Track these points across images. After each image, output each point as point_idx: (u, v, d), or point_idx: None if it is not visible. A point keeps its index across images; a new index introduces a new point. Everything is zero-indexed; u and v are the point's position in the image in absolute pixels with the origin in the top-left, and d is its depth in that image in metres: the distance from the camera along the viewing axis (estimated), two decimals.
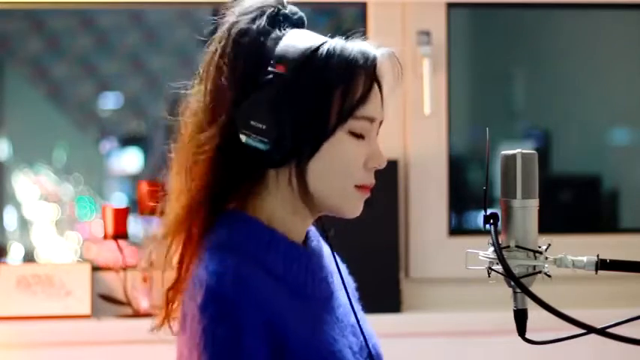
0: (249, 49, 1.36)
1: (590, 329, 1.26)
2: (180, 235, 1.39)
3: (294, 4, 1.43)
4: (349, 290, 1.49)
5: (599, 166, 3.36)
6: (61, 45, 4.54)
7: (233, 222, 1.39)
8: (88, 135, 4.69)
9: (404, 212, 2.71)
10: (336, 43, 1.38)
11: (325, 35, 1.41)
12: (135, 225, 2.71)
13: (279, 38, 1.37)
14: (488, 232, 1.33)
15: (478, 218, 3.10)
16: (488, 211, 1.33)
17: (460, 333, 2.61)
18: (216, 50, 1.38)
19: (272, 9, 1.39)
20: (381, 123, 1.42)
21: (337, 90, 1.35)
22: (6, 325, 2.50)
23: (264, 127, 1.33)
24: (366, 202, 1.44)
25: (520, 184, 1.34)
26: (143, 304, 2.50)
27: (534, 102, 3.47)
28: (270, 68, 1.34)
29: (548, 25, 3.29)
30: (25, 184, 4.39)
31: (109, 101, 4.69)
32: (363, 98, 1.36)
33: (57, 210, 4.45)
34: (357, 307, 1.52)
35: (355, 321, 1.46)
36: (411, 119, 2.73)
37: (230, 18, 1.39)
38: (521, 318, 1.35)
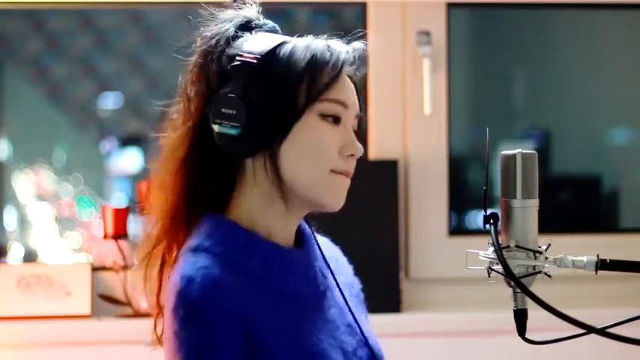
0: (217, 49, 1.40)
1: (590, 329, 1.26)
2: (165, 241, 1.42)
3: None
4: (347, 291, 1.49)
5: (599, 166, 3.35)
6: (61, 45, 4.54)
7: (210, 225, 1.40)
8: (88, 135, 4.69)
9: (404, 212, 2.71)
10: (303, 38, 1.42)
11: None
12: (135, 225, 2.71)
13: (248, 38, 1.41)
14: (488, 232, 1.33)
15: (478, 218, 3.10)
16: (489, 211, 1.33)
17: (460, 333, 2.61)
18: (192, 68, 1.42)
19: (243, 18, 1.43)
20: (358, 117, 1.44)
21: (304, 73, 1.37)
22: (6, 325, 2.50)
23: (234, 112, 1.36)
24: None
25: (520, 184, 1.34)
26: (143, 304, 2.50)
27: (534, 102, 3.47)
28: (238, 58, 1.38)
29: (548, 25, 3.29)
30: (25, 184, 4.39)
31: (109, 101, 4.68)
32: (330, 81, 1.38)
33: (57, 210, 4.45)
34: (360, 308, 1.52)
35: (353, 321, 1.46)
36: (411, 119, 2.73)
37: (206, 33, 1.43)
38: (521, 318, 1.35)
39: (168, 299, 1.34)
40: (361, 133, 1.47)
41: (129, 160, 4.58)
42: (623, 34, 3.15)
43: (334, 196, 1.41)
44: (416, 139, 2.73)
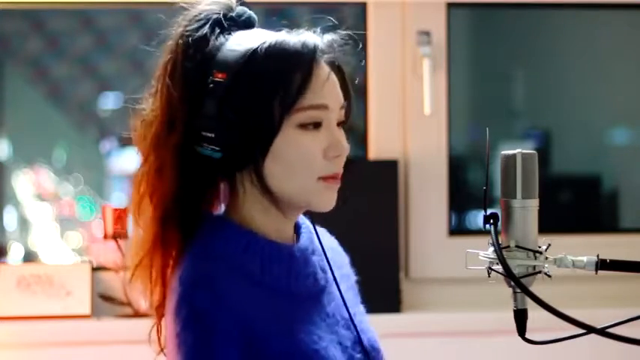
0: (194, 62, 1.37)
1: (590, 329, 1.26)
2: (157, 253, 1.40)
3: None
4: (344, 285, 1.50)
5: (599, 166, 3.35)
6: (61, 45, 4.54)
7: (212, 227, 1.40)
8: (88, 135, 4.69)
9: (404, 212, 2.71)
10: (276, 39, 1.37)
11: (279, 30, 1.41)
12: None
13: (222, 44, 1.38)
14: (488, 232, 1.33)
15: (478, 218, 3.10)
16: (488, 211, 1.33)
17: (460, 333, 2.61)
18: (166, 64, 1.39)
19: (217, 15, 1.40)
20: (344, 108, 1.41)
21: (276, 86, 1.35)
22: (6, 325, 2.50)
23: (213, 135, 1.35)
24: (339, 199, 1.42)
25: (520, 184, 1.34)
26: (143, 304, 2.50)
27: (534, 102, 3.47)
28: (210, 77, 1.35)
29: (548, 25, 3.29)
30: (25, 184, 4.39)
31: (109, 101, 4.68)
32: (301, 89, 1.35)
33: (57, 210, 4.44)
34: (356, 300, 1.52)
35: (352, 314, 1.47)
36: (411, 119, 2.73)
37: (178, 28, 1.40)
38: (521, 318, 1.35)
39: (170, 300, 1.34)
40: (350, 126, 1.44)
41: (129, 160, 4.57)
42: (623, 34, 3.15)
43: (323, 202, 1.40)
44: (416, 139, 2.73)
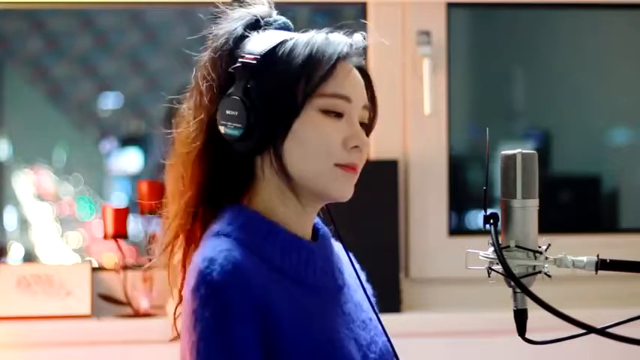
0: (227, 49, 1.43)
1: (590, 329, 1.26)
2: (182, 235, 1.45)
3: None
4: (361, 293, 1.51)
5: (599, 166, 3.35)
6: (61, 45, 4.54)
7: (232, 213, 1.42)
8: (88, 135, 4.69)
9: (404, 212, 2.71)
10: (304, 35, 1.43)
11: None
12: (135, 225, 2.72)
13: (252, 38, 1.43)
14: (488, 232, 1.33)
15: (478, 218, 3.10)
16: (489, 211, 1.33)
17: (460, 333, 2.61)
18: (203, 63, 1.45)
19: (252, 17, 1.45)
20: (367, 109, 1.45)
21: (301, 70, 1.39)
22: (6, 325, 2.50)
23: (236, 113, 1.39)
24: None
25: (520, 184, 1.34)
26: (143, 304, 2.50)
27: (534, 102, 3.47)
28: (239, 60, 1.40)
29: (548, 25, 3.29)
30: (25, 184, 4.39)
31: (109, 101, 4.68)
32: (325, 76, 1.39)
33: (57, 210, 4.45)
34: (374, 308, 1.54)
35: (367, 318, 1.48)
36: (411, 119, 2.73)
37: (217, 31, 1.46)
38: (521, 318, 1.35)
39: (189, 279, 1.36)
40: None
41: (129, 160, 4.58)
42: (623, 34, 3.15)
43: (339, 188, 1.42)
44: (416, 139, 2.73)
